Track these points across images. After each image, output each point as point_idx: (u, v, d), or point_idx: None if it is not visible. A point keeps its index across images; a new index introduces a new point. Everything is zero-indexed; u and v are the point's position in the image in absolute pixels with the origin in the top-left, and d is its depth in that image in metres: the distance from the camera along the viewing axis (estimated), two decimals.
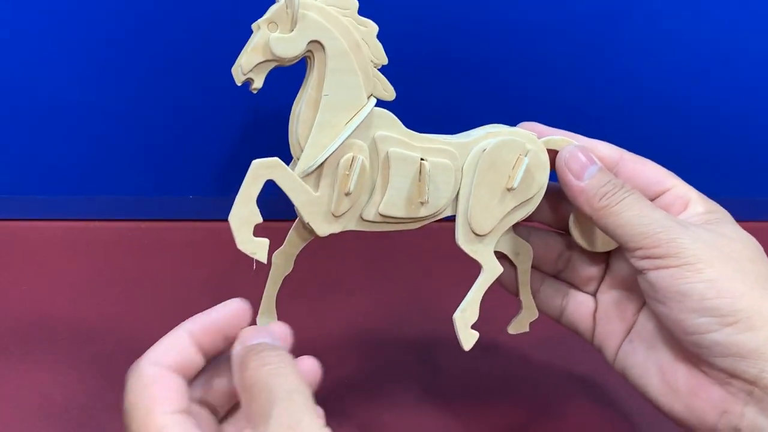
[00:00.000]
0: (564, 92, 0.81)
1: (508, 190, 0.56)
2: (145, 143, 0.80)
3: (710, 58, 0.81)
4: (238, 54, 0.52)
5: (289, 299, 0.57)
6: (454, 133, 0.58)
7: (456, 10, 0.77)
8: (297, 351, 0.48)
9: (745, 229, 0.54)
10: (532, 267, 0.61)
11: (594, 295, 0.60)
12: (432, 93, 0.79)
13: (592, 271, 0.60)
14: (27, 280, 0.74)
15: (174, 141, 0.81)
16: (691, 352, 0.51)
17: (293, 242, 0.57)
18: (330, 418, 0.44)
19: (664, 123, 0.84)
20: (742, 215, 0.78)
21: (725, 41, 0.80)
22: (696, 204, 0.56)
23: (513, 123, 0.59)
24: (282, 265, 0.57)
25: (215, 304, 0.65)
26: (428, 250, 0.65)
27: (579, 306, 0.60)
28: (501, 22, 0.77)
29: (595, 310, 0.59)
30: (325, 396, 0.47)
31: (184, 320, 0.48)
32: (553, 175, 0.57)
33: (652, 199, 0.56)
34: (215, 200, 0.82)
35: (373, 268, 0.75)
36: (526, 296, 0.62)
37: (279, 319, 0.57)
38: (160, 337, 0.47)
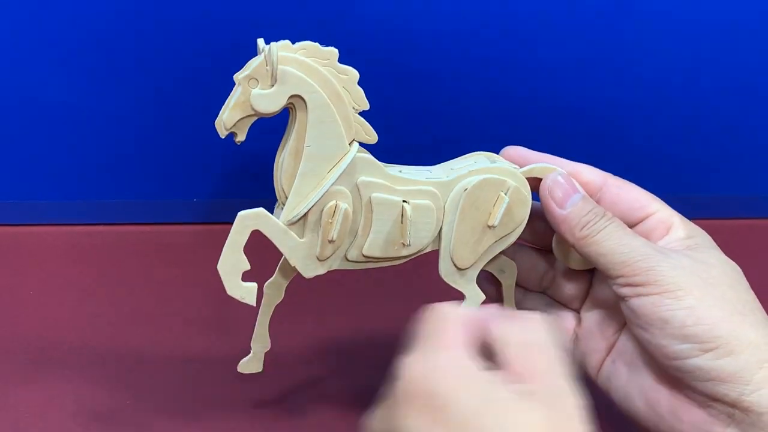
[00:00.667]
0: (546, 102, 0.82)
1: (489, 227, 0.57)
2: (149, 147, 0.81)
3: (702, 55, 0.81)
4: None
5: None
6: (439, 162, 0.60)
7: (432, 32, 0.77)
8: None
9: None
10: (518, 285, 0.63)
11: (577, 311, 0.62)
12: (413, 119, 0.80)
13: (575, 289, 0.62)
14: (31, 286, 0.75)
15: (177, 144, 0.81)
16: (673, 376, 0.53)
17: (283, 273, 0.59)
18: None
19: (652, 124, 0.85)
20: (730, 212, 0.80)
21: (714, 39, 0.81)
22: (678, 229, 0.57)
23: (498, 144, 0.61)
24: (273, 294, 0.60)
25: (221, 307, 0.70)
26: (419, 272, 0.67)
27: (560, 321, 0.62)
28: (481, 40, 0.78)
29: (576, 326, 0.61)
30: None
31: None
32: (536, 197, 0.59)
33: (635, 224, 0.58)
34: (219, 203, 0.83)
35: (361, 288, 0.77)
36: (510, 309, 0.64)
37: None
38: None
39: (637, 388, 0.56)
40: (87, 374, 0.65)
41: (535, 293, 0.64)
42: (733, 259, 0.56)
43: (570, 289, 0.62)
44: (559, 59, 0.80)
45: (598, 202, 0.58)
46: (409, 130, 0.80)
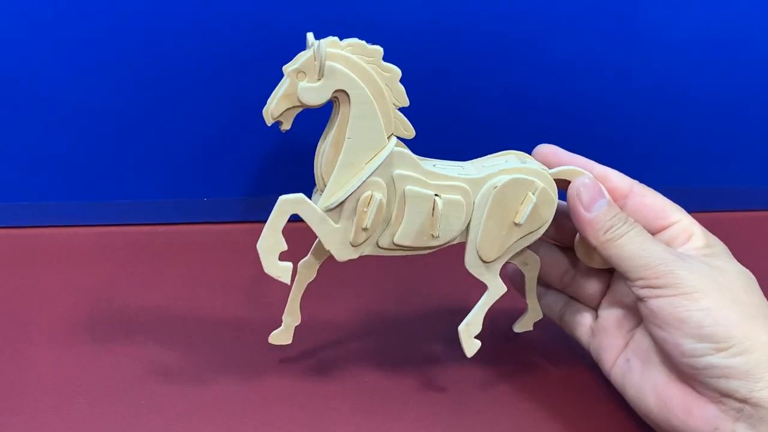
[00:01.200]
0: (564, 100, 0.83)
1: (515, 224, 0.60)
2: (159, 146, 0.80)
3: (711, 49, 0.82)
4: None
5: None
6: (471, 158, 0.63)
7: (471, 32, 0.77)
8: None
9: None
10: (540, 282, 0.66)
11: (595, 309, 0.65)
12: (450, 115, 0.81)
13: (594, 288, 0.64)
14: (46, 287, 0.75)
15: (187, 143, 0.81)
16: (686, 373, 0.55)
17: (316, 254, 0.62)
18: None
19: (659, 119, 0.85)
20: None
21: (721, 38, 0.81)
22: (697, 238, 0.60)
23: (529, 142, 0.63)
24: (306, 273, 0.63)
25: (239, 305, 0.72)
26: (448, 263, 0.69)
27: (579, 317, 0.65)
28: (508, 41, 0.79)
29: (593, 322, 0.64)
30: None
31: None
32: (563, 195, 0.61)
33: (657, 231, 0.60)
34: (230, 201, 0.82)
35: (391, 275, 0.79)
36: (531, 299, 0.67)
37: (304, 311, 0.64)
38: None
39: (650, 384, 0.58)
40: (105, 370, 0.66)
41: (555, 291, 0.67)
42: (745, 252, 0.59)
43: (590, 287, 0.65)
44: (577, 59, 0.81)
45: (623, 207, 0.61)
46: (446, 126, 0.81)
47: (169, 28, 0.75)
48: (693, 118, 0.85)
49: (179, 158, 0.81)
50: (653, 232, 0.60)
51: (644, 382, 0.58)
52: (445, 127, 0.81)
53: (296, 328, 0.64)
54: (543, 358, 0.69)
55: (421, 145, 0.60)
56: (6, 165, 0.80)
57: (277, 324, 0.63)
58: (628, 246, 0.57)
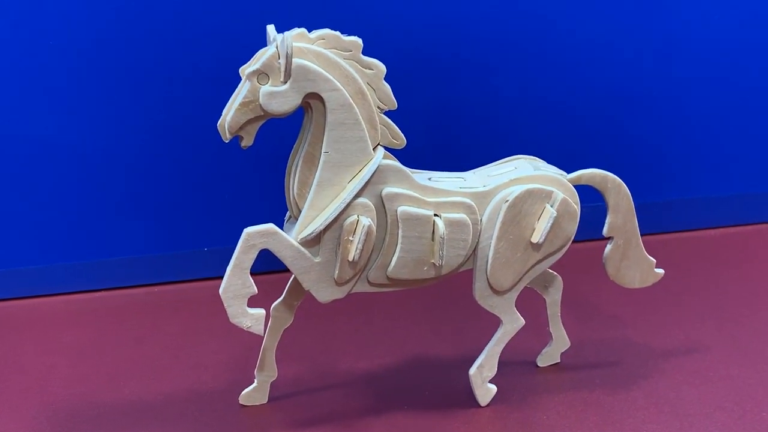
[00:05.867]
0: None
1: (532, 244, 0.51)
2: (152, 199, 0.73)
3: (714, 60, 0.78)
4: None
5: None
6: (473, 167, 0.54)
7: (466, 24, 0.73)
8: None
9: None
10: None
11: None
12: (445, 119, 0.75)
13: None
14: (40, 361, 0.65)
15: (181, 194, 0.74)
16: None
17: (292, 295, 0.53)
18: None
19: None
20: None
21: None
22: None
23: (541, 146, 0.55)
24: (281, 318, 0.53)
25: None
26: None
27: None
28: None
29: None
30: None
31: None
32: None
33: None
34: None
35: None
36: (556, 327, 0.58)
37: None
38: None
39: None
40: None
41: None
42: None
43: None
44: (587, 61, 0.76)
45: None
46: (442, 132, 0.75)
47: (155, 78, 0.70)
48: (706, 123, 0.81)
49: (174, 209, 0.74)
50: None
51: None
52: (441, 134, 0.74)
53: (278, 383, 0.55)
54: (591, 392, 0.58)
55: (413, 156, 0.52)
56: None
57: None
58: None
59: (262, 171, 0.72)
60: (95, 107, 0.71)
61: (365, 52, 0.47)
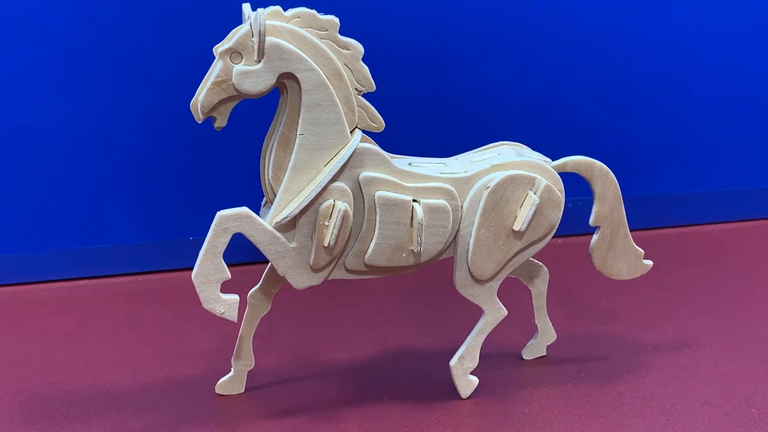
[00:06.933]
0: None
1: (515, 232, 0.49)
2: (136, 188, 0.72)
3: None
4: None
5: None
6: (455, 153, 0.53)
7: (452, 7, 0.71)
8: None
9: None
10: None
11: None
12: (425, 102, 0.74)
13: None
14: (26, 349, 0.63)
15: (166, 183, 0.72)
16: None
17: (269, 282, 0.51)
18: None
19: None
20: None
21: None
22: None
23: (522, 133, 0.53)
24: (258, 305, 0.52)
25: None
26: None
27: None
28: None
29: None
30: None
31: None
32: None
33: None
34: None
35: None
36: (542, 320, 0.57)
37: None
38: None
39: None
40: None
41: None
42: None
43: None
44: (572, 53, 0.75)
45: None
46: (421, 115, 0.73)
47: (145, 68, 0.69)
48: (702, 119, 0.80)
49: (160, 198, 0.73)
50: None
51: None
52: (422, 118, 0.73)
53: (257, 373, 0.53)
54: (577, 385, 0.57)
55: (392, 140, 0.50)
56: None
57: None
58: None
59: (250, 159, 0.70)
60: (75, 96, 0.69)
61: (347, 34, 0.46)
